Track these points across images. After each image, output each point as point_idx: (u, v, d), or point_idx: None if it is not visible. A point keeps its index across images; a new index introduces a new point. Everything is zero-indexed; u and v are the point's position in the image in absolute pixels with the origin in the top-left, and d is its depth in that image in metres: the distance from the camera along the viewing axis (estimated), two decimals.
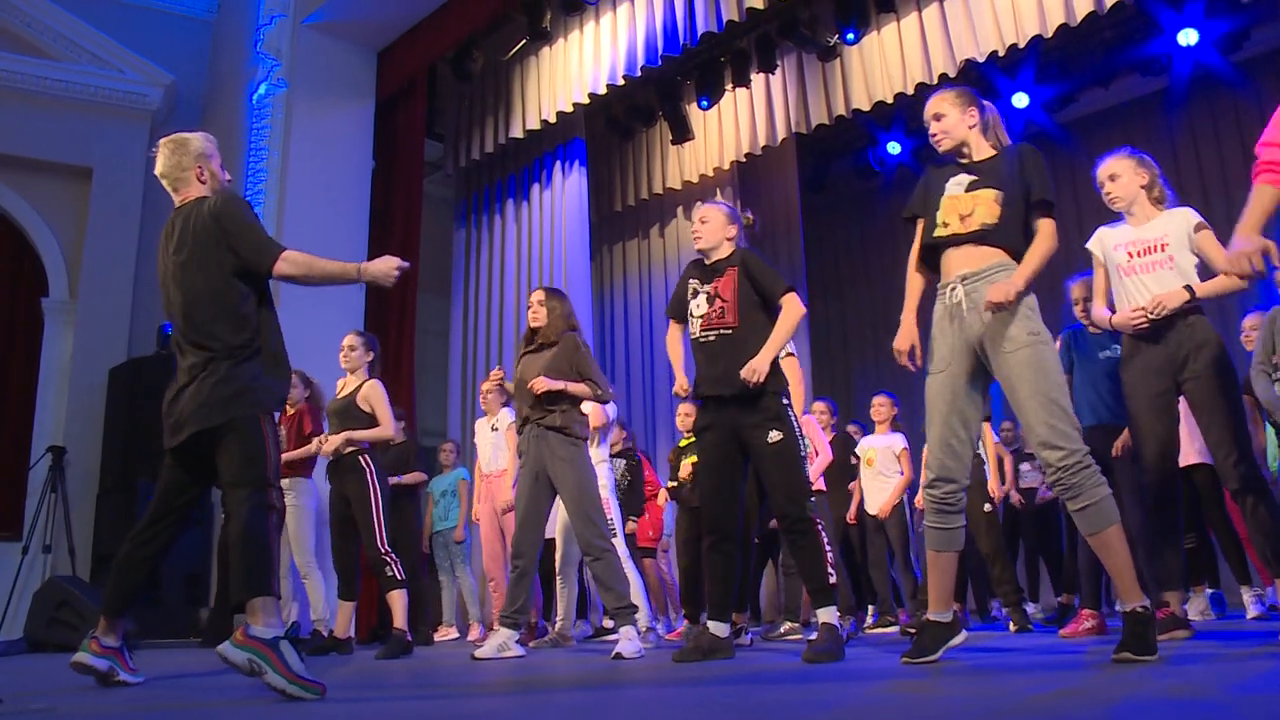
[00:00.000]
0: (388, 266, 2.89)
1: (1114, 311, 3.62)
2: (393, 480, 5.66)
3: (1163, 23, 7.75)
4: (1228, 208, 8.82)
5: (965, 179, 3.00)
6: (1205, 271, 3.53)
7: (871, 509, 5.91)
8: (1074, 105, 9.01)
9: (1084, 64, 8.25)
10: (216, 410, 2.76)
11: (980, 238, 2.89)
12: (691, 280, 3.74)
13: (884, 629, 5.86)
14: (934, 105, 3.10)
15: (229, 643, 2.51)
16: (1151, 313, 3.39)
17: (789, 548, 4.04)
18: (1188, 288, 3.38)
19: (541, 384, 4.10)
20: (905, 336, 3.05)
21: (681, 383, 3.73)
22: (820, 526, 3.50)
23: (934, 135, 3.09)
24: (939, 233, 2.98)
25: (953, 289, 2.93)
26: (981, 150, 3.07)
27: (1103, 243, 3.66)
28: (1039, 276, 2.86)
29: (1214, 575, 5.69)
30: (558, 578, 5.33)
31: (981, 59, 6.54)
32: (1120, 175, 3.58)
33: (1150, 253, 3.49)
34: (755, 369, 3.41)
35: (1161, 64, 8.31)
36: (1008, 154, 3.02)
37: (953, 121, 3.05)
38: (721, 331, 3.56)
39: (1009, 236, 2.88)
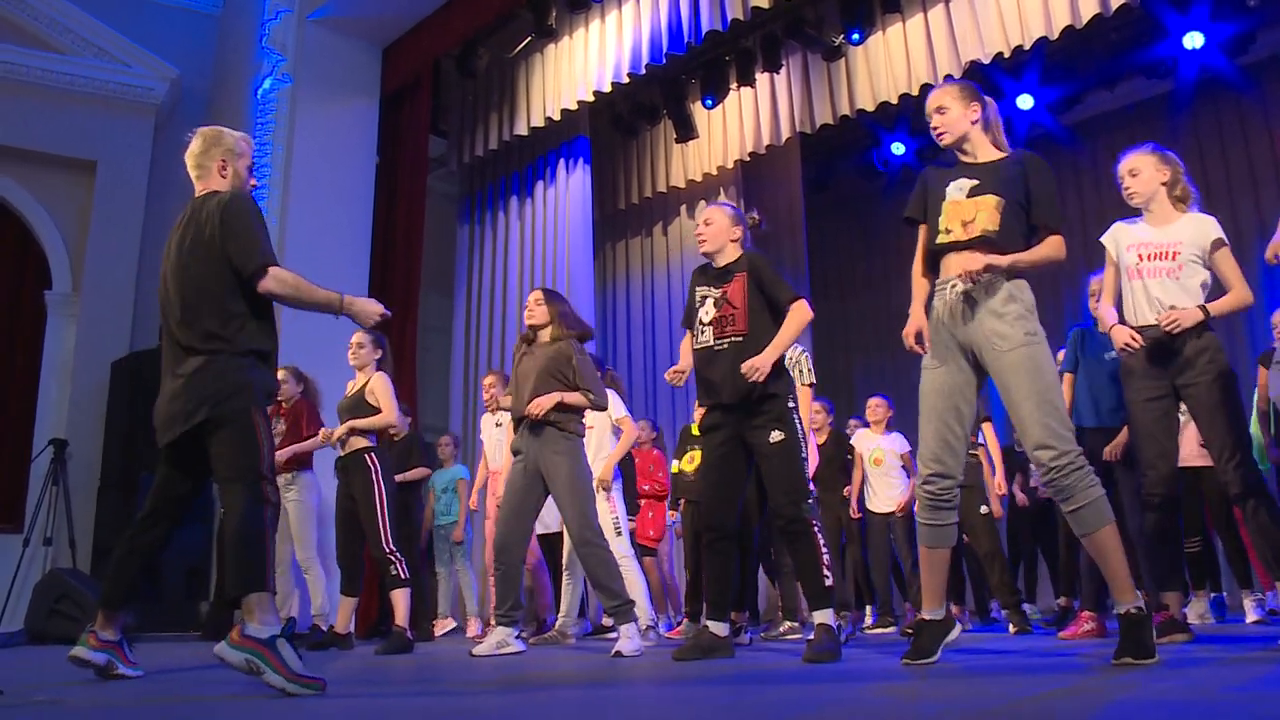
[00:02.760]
0: (373, 309, 2.91)
1: (1119, 310, 3.59)
2: (397, 477, 5.65)
3: (1168, 25, 7.72)
4: (1232, 211, 8.80)
5: (966, 184, 2.96)
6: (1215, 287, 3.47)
7: (881, 507, 5.89)
8: (1079, 107, 8.99)
9: (1089, 66, 8.21)
10: (206, 405, 2.75)
11: (981, 244, 2.87)
12: (699, 288, 3.71)
13: (884, 629, 5.86)
14: (936, 98, 3.07)
15: (225, 643, 2.50)
16: (1165, 327, 3.33)
17: (786, 548, 4.04)
18: (1203, 308, 3.32)
19: (538, 406, 4.07)
20: (914, 324, 2.99)
21: (678, 369, 3.68)
22: (817, 529, 3.50)
23: (936, 129, 3.06)
24: (941, 239, 2.96)
25: (953, 285, 2.91)
26: (983, 150, 3.04)
27: (1116, 240, 3.59)
28: (1039, 280, 2.83)
29: (1215, 579, 5.69)
30: (564, 574, 5.32)
31: (986, 60, 6.52)
32: (1141, 171, 3.52)
33: (1160, 258, 3.42)
34: (756, 366, 3.37)
35: (1167, 66, 8.29)
36: (1012, 159, 2.99)
37: (955, 116, 3.02)
38: (733, 339, 3.54)
39: (1010, 242, 2.86)
